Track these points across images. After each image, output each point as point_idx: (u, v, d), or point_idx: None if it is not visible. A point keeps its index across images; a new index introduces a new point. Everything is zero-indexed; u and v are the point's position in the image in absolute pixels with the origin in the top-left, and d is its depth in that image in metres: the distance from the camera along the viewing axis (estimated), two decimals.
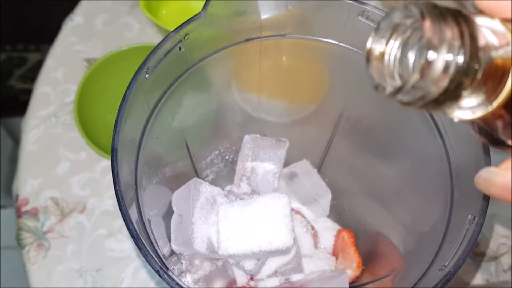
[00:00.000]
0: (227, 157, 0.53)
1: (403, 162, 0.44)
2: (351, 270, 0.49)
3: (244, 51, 0.41)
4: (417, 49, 0.22)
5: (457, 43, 0.19)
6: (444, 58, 0.19)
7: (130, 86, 0.33)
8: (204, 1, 0.75)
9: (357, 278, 0.49)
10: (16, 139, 1.27)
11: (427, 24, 0.20)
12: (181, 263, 0.45)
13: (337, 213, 0.55)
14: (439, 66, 0.20)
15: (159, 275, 0.28)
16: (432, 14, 0.20)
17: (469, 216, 0.31)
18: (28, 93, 1.49)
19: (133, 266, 0.58)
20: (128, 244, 0.60)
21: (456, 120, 0.22)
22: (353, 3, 0.36)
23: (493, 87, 0.21)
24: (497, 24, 0.21)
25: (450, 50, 0.19)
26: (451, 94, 0.20)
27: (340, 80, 0.46)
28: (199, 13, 0.35)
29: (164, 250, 0.42)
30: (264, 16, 0.38)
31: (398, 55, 0.23)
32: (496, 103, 0.21)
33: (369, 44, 0.23)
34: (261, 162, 0.50)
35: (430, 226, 0.38)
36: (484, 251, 0.61)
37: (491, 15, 0.21)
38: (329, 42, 0.40)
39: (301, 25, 0.39)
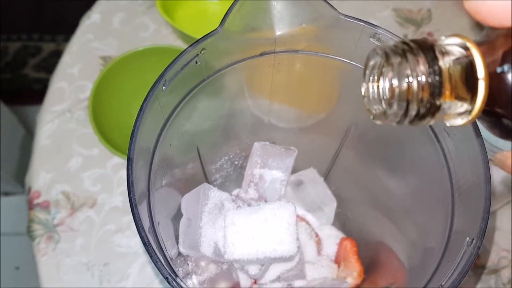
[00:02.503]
0: (236, 162, 0.54)
1: (408, 177, 0.45)
2: (352, 278, 0.50)
3: (258, 65, 0.42)
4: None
5: (415, 69, 0.24)
6: (407, 81, 0.24)
7: (147, 98, 0.34)
8: (219, 4, 0.77)
9: (358, 286, 0.51)
10: (28, 128, 1.29)
11: (389, 61, 0.25)
12: (187, 264, 0.46)
13: (341, 221, 0.56)
14: (401, 88, 0.24)
15: (168, 282, 0.30)
16: (392, 52, 0.25)
17: (468, 238, 0.32)
18: (41, 82, 1.52)
19: (139, 262, 0.60)
20: (135, 241, 0.61)
21: (448, 125, 0.26)
22: (366, 25, 0.37)
23: (473, 94, 0.24)
24: (462, 41, 0.25)
25: (409, 76, 0.24)
26: (430, 108, 0.24)
27: (350, 94, 0.47)
28: (216, 29, 0.36)
29: (171, 252, 0.43)
30: (278, 33, 0.39)
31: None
32: (472, 115, 0.24)
33: (363, 89, 0.28)
34: (269, 169, 0.51)
35: (431, 242, 0.39)
36: (485, 264, 0.62)
37: (475, 17, 0.25)
38: (341, 60, 0.41)
39: (314, 43, 0.40)
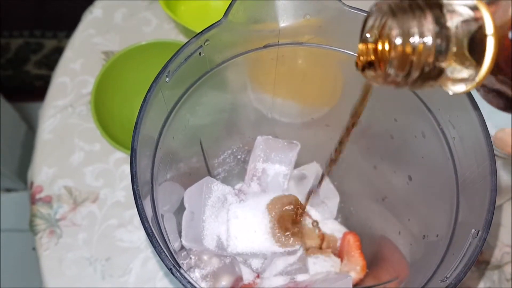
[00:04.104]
0: (239, 157, 0.54)
1: (411, 171, 0.45)
2: (355, 272, 0.50)
3: (261, 57, 0.42)
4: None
5: (422, 28, 0.22)
6: (410, 41, 0.22)
7: (150, 89, 0.34)
8: (222, 0, 0.76)
9: (361, 281, 0.50)
10: (30, 124, 1.29)
11: (393, 18, 0.23)
12: (190, 258, 0.46)
13: (344, 216, 0.56)
14: (405, 48, 0.23)
15: (172, 273, 0.30)
16: (399, 8, 0.23)
17: (473, 230, 0.32)
18: (43, 79, 1.52)
19: (141, 257, 0.60)
20: (137, 235, 0.61)
21: (451, 93, 0.25)
22: None
23: (479, 59, 0.22)
24: (471, 2, 0.23)
25: (415, 34, 0.22)
26: (433, 71, 0.23)
27: (354, 88, 0.46)
28: (220, 20, 0.36)
29: (174, 245, 0.43)
30: (282, 25, 0.39)
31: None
32: (479, 77, 0.23)
33: (360, 45, 0.26)
34: (272, 163, 0.51)
35: (435, 236, 0.39)
36: (488, 259, 0.62)
37: None
38: (345, 52, 0.41)
39: (318, 35, 0.40)
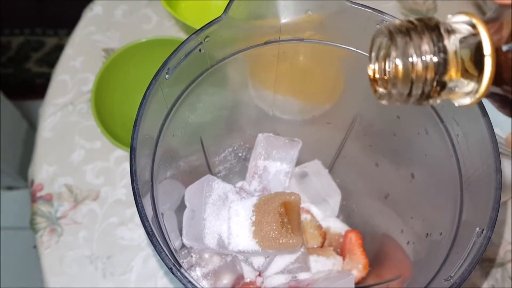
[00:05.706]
0: (240, 154, 0.54)
1: (414, 168, 0.44)
2: (357, 271, 0.50)
3: (262, 54, 0.41)
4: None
5: (420, 49, 0.24)
6: (411, 61, 0.24)
7: (150, 86, 0.33)
8: None
9: (363, 279, 0.50)
10: (31, 122, 1.29)
11: (393, 40, 0.25)
12: (191, 256, 0.46)
13: (346, 214, 0.56)
14: (405, 68, 0.24)
15: (172, 272, 0.29)
16: (396, 31, 0.25)
17: (478, 228, 0.32)
18: (44, 77, 1.51)
19: (142, 255, 0.60)
20: (138, 233, 0.61)
21: (457, 105, 0.26)
22: (372, 12, 0.36)
23: (480, 72, 0.24)
24: (468, 18, 0.24)
25: (413, 55, 0.24)
26: (435, 87, 0.24)
27: (355, 84, 0.46)
28: (220, 16, 0.35)
29: (175, 244, 0.42)
30: (283, 20, 0.38)
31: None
32: (479, 93, 0.24)
33: (370, 71, 0.28)
34: (273, 161, 0.50)
35: (438, 234, 0.38)
36: (491, 257, 0.62)
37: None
38: (346, 48, 0.40)
39: (319, 31, 0.40)
